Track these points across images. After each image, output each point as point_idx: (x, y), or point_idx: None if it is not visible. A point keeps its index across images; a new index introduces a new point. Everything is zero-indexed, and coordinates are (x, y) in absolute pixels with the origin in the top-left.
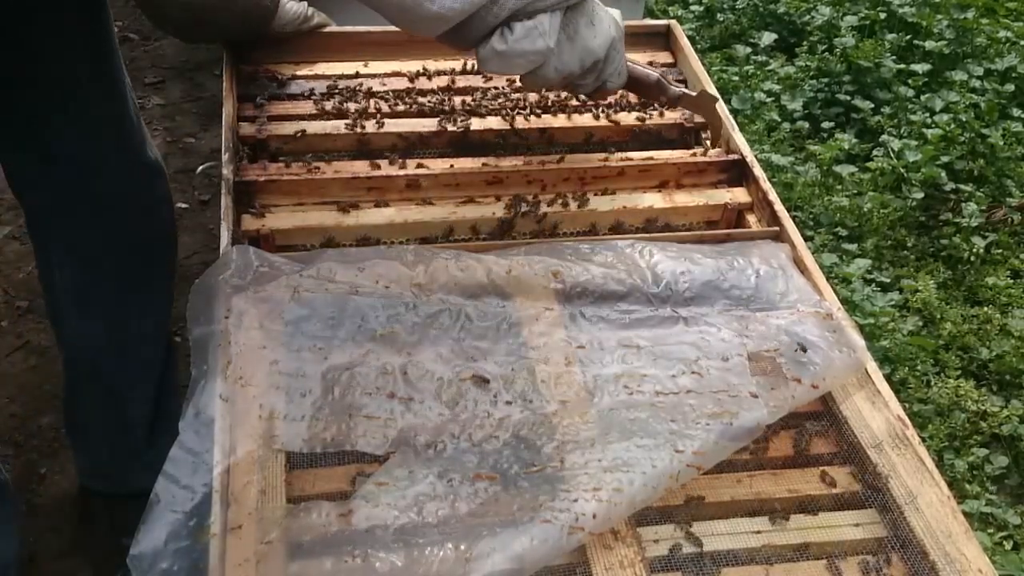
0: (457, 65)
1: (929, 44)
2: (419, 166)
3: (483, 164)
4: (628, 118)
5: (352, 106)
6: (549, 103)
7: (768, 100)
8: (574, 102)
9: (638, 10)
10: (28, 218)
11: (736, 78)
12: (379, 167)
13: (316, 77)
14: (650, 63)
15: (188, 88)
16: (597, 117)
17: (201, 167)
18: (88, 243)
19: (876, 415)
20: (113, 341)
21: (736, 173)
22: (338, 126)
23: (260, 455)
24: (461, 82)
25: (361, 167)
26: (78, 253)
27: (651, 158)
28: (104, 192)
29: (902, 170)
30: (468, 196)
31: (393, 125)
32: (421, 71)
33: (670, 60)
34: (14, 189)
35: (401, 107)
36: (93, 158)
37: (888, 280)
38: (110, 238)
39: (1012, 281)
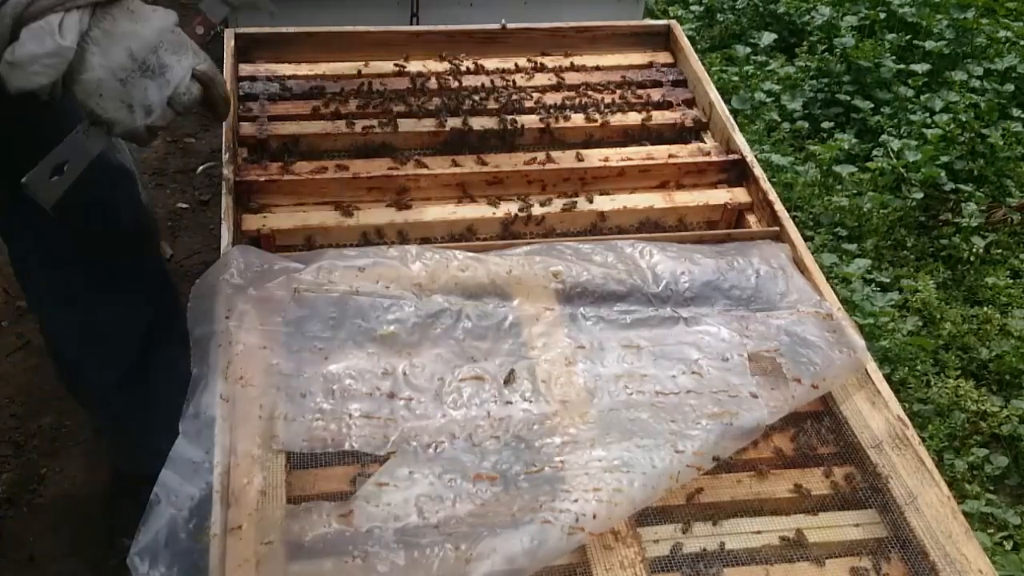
0: (458, 65)
1: (929, 44)
2: (419, 166)
3: (483, 164)
4: (627, 118)
5: (352, 106)
6: (549, 105)
7: (768, 100)
8: (576, 103)
9: (638, 10)
10: None
11: (736, 78)
12: (379, 167)
13: (316, 77)
14: (650, 63)
15: None
16: (592, 120)
17: (201, 167)
18: (53, 240)
19: (876, 415)
20: (86, 336)
21: (736, 173)
22: (338, 126)
23: (260, 455)
24: (462, 82)
25: (361, 167)
26: (46, 249)
27: (651, 156)
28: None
29: (902, 170)
30: (468, 196)
31: (393, 125)
32: (421, 71)
33: (670, 60)
34: None
35: (401, 107)
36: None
37: (888, 280)
38: (75, 236)
39: (1012, 281)
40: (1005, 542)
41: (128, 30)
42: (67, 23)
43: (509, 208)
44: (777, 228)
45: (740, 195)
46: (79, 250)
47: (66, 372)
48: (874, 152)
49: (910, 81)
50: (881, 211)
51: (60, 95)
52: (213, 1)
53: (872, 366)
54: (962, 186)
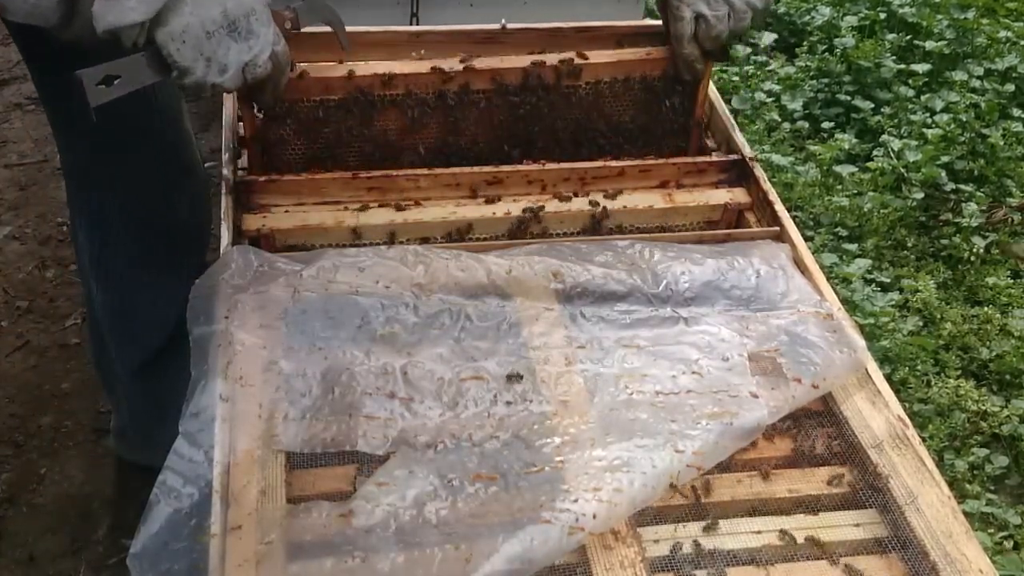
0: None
1: (929, 44)
2: (419, 166)
3: (483, 164)
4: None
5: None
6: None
7: (768, 100)
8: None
9: (638, 10)
10: (64, 164)
11: (736, 78)
12: (379, 167)
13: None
14: None
15: None
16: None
17: None
18: (106, 208)
19: (876, 415)
20: (118, 315)
21: (736, 173)
22: None
23: (260, 455)
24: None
25: (361, 167)
26: (97, 215)
27: (650, 154)
28: (129, 159)
29: (902, 170)
30: (468, 196)
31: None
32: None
33: None
34: (54, 127)
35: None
36: (128, 130)
37: (888, 280)
38: (125, 210)
39: (1012, 281)
40: (1005, 542)
41: None
42: None
43: (509, 208)
44: (777, 228)
45: (740, 195)
46: (127, 231)
47: (95, 346)
48: (874, 152)
49: (910, 81)
50: (881, 211)
51: (142, 43)
52: (311, 9)
53: (872, 366)
54: (962, 186)
